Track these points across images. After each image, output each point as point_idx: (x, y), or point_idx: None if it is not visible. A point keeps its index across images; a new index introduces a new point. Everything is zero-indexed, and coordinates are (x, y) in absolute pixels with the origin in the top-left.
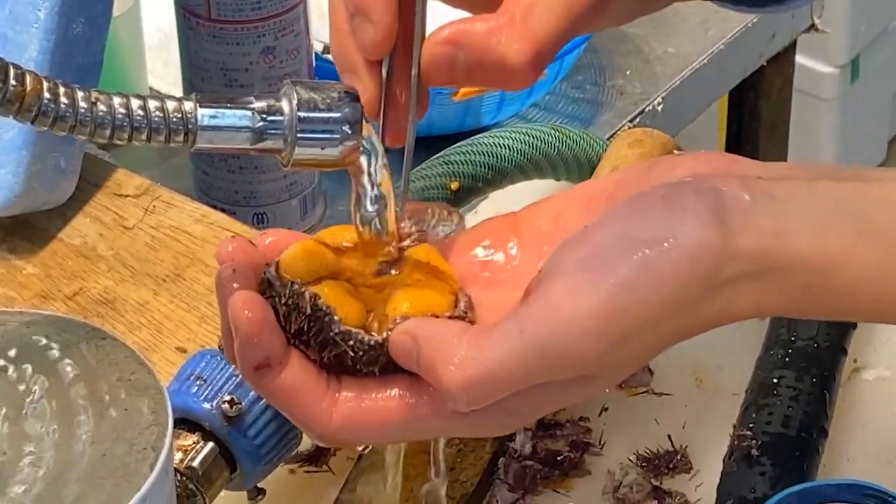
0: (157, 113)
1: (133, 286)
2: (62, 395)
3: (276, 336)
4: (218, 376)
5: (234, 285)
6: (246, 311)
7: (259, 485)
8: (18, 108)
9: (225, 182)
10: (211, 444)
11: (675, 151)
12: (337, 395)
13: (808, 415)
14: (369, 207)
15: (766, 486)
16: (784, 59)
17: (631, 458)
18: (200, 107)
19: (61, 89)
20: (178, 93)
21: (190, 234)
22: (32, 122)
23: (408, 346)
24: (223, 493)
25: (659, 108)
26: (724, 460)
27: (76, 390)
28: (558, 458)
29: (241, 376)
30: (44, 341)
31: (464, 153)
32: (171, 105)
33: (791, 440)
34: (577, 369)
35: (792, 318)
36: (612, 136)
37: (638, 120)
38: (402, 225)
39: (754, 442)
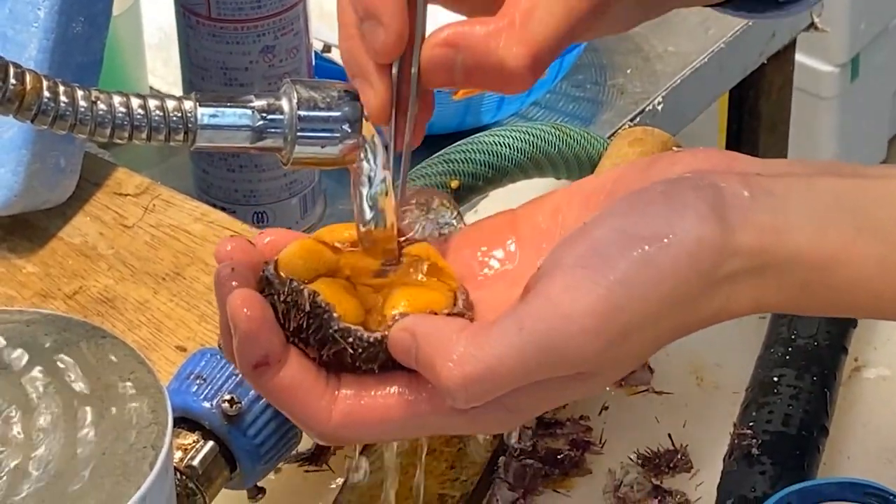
0: (157, 112)
1: (133, 285)
2: (62, 394)
3: (274, 334)
4: (218, 375)
5: (233, 284)
6: (245, 310)
7: (259, 483)
8: (18, 107)
9: (225, 181)
10: (211, 443)
11: (675, 149)
12: (336, 392)
13: (809, 413)
14: (369, 206)
15: (767, 485)
16: (784, 57)
17: (631, 456)
18: (200, 105)
19: (61, 88)
20: (178, 92)
21: (190, 233)
22: (32, 121)
23: (406, 343)
24: (223, 491)
25: (659, 106)
26: (724, 459)
27: (76, 389)
28: (559, 457)
29: (240, 375)
30: (44, 340)
31: (464, 152)
32: (170, 104)
33: (791, 439)
34: (576, 366)
35: (792, 317)
36: (612, 134)
37: (638, 119)
38: (403, 209)
39: (755, 441)
